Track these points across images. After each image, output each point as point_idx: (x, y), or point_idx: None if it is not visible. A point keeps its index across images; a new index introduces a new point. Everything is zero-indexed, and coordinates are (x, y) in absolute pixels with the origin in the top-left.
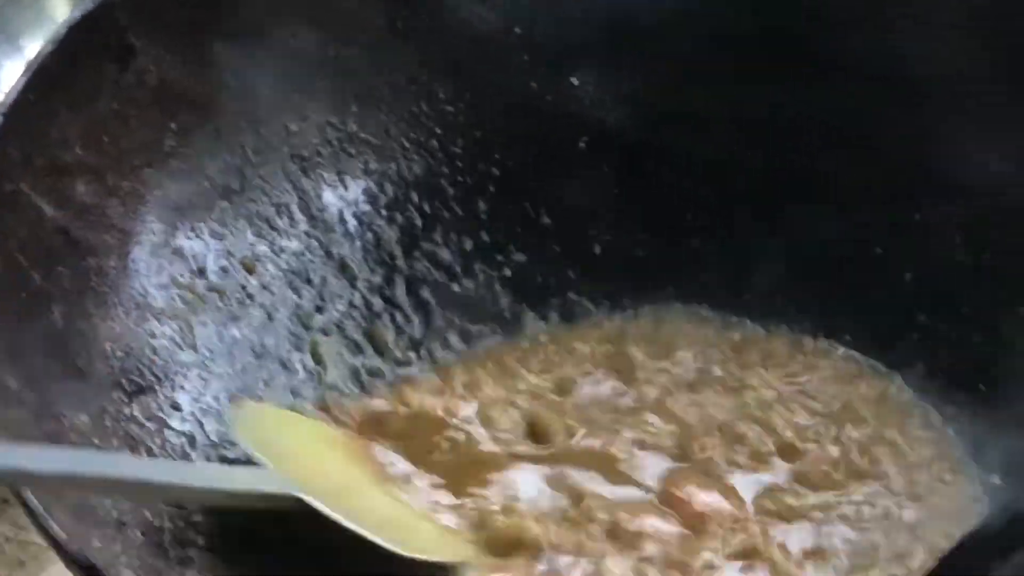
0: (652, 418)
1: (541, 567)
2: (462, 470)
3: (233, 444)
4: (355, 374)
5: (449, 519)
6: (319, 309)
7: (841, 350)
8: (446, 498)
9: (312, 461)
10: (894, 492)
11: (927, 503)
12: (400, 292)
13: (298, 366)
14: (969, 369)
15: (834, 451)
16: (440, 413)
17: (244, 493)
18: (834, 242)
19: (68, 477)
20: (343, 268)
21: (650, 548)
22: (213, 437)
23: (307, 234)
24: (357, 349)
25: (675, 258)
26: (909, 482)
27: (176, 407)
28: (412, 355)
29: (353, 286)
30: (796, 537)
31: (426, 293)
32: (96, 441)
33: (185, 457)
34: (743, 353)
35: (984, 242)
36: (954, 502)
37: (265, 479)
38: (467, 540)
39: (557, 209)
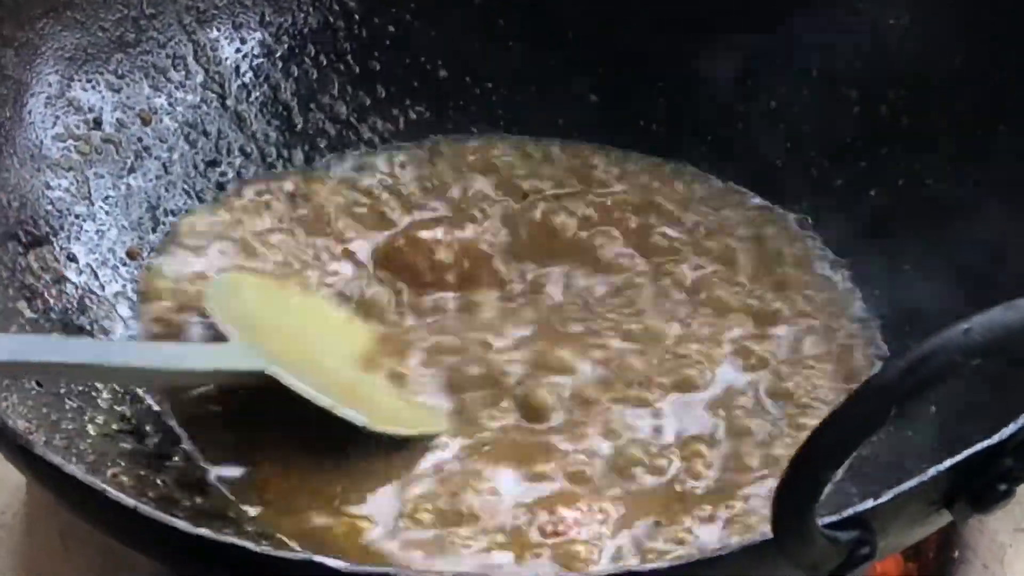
0: None
1: None
2: None
3: (128, 297)
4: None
5: None
6: (215, 162)
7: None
8: None
9: (286, 333)
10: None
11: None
12: (297, 145)
13: None
14: (865, 221)
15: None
16: None
17: (208, 371)
18: (728, 91)
19: (23, 364)
20: (239, 120)
21: None
22: (110, 289)
23: (203, 86)
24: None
25: (571, 109)
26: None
27: (72, 259)
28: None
29: (249, 138)
30: None
31: (323, 146)
32: None
33: (83, 309)
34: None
35: (880, 97)
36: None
37: (230, 355)
38: (438, 413)
39: (454, 63)
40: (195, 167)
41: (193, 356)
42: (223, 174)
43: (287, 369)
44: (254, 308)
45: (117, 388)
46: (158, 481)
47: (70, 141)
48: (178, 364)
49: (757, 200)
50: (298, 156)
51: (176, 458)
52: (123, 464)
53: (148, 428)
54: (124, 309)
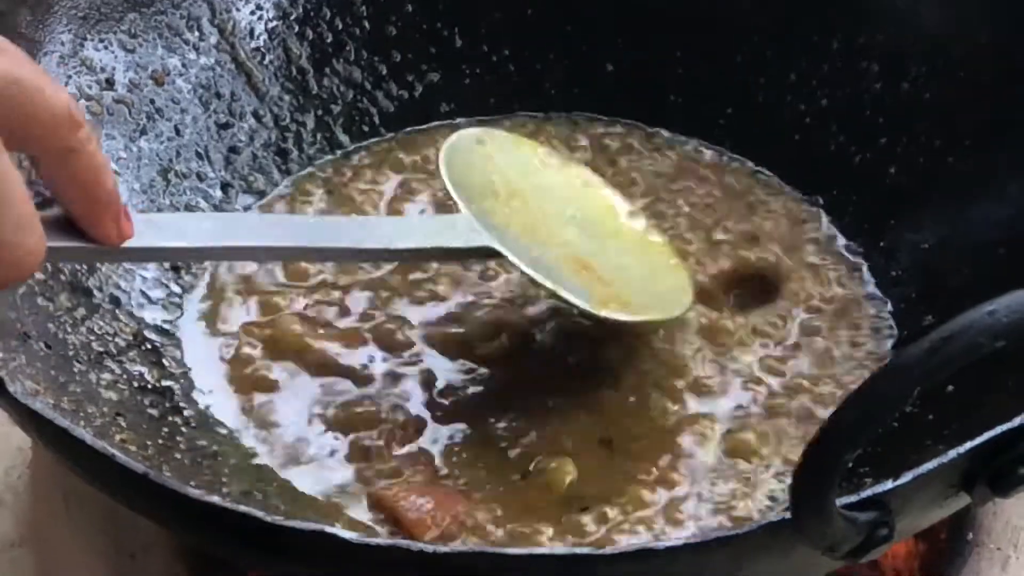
0: None
1: None
2: None
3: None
4: (261, 189)
5: None
6: (228, 124)
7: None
8: None
9: (522, 196)
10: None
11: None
12: (310, 109)
13: (206, 180)
14: (884, 198)
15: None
16: None
17: (432, 248)
18: (748, 65)
19: (236, 248)
20: (253, 83)
21: None
22: None
23: (217, 48)
24: (265, 164)
25: (589, 79)
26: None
27: None
28: (321, 171)
29: (263, 101)
30: None
31: (337, 110)
32: None
33: (91, 270)
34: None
35: (902, 73)
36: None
37: (455, 230)
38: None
39: (471, 30)
40: (207, 130)
41: (418, 233)
42: (235, 137)
43: (516, 240)
44: (490, 167)
45: (128, 348)
46: (167, 445)
47: (82, 101)
48: (403, 243)
49: (770, 176)
50: (311, 120)
51: (188, 424)
52: (132, 428)
53: (159, 391)
54: (133, 272)
